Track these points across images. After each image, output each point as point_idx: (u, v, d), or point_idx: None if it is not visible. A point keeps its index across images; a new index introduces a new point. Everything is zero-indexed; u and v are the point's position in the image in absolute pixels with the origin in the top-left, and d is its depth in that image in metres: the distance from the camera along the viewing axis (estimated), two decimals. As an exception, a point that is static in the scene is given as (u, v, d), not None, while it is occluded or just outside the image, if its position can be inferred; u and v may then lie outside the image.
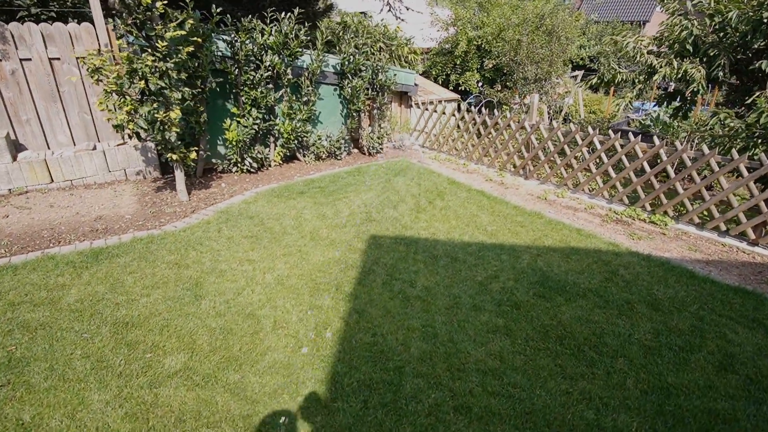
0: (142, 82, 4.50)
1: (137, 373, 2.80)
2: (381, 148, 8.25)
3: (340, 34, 10.47)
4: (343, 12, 11.34)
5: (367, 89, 7.75)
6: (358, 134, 8.29)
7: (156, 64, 4.50)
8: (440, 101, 9.61)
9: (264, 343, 3.13)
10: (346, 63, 7.38)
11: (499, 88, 12.01)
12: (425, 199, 5.97)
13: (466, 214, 5.57)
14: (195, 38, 4.93)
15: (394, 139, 8.78)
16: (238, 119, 6.35)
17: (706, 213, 5.68)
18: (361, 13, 11.79)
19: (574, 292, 3.87)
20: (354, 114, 7.72)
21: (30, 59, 5.42)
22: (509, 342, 3.23)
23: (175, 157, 5.18)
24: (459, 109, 8.19)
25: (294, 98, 6.86)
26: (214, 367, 2.89)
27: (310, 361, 2.99)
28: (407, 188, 6.32)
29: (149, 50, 4.60)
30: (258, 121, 6.42)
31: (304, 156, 7.48)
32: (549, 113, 11.13)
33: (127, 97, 4.56)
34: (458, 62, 12.31)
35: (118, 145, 5.97)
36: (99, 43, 5.57)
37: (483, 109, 7.67)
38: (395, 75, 8.11)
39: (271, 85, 6.61)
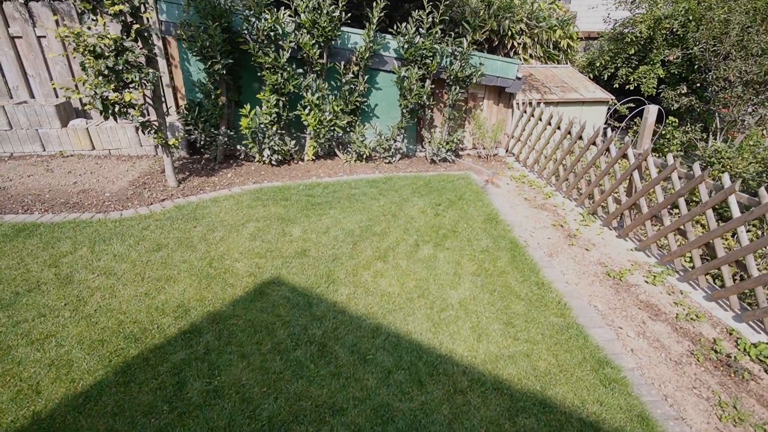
0: (99, 60, 4.26)
1: None
2: (452, 156, 6.58)
3: (464, 9, 8.84)
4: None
5: (425, 79, 6.16)
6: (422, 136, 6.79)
7: (99, 41, 4.18)
8: (569, 103, 7.18)
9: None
10: (405, 47, 5.94)
11: (684, 91, 8.38)
12: (421, 239, 4.34)
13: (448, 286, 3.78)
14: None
15: (483, 145, 6.91)
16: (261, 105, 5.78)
17: None
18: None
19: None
20: (406, 111, 6.27)
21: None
22: None
23: (153, 141, 4.92)
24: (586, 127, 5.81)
25: (325, 85, 5.88)
26: None
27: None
28: (413, 219, 4.73)
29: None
30: (276, 109, 5.71)
31: (345, 154, 6.47)
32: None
33: (90, 75, 4.42)
34: (632, 52, 9.05)
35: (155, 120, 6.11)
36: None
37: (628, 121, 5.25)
38: (481, 65, 6.24)
39: (300, 70, 5.78)
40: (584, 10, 11.41)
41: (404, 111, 6.25)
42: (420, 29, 5.91)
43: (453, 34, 6.14)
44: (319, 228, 4.42)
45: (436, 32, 5.90)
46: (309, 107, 5.86)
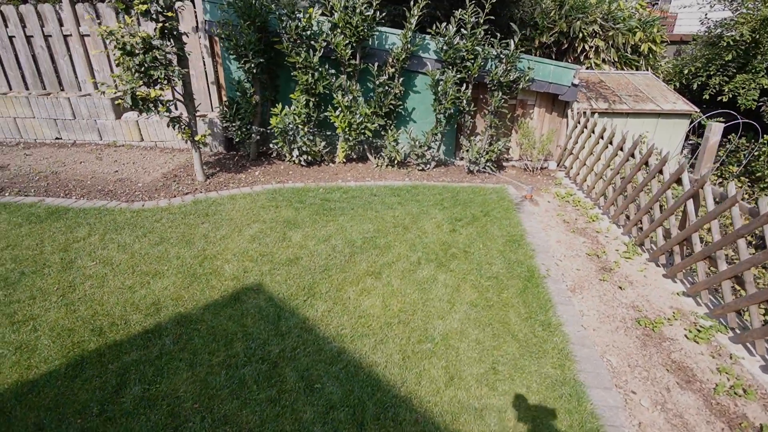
0: (129, 57, 4.45)
1: None
2: (491, 167, 6.08)
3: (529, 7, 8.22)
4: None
5: (466, 83, 5.72)
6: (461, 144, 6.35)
7: (130, 39, 4.35)
8: (641, 114, 6.34)
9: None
10: (444, 48, 5.57)
11: (793, 105, 7.00)
12: (426, 257, 3.99)
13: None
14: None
15: (530, 157, 6.31)
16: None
17: None
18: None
19: None
20: (442, 117, 5.87)
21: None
22: None
23: (182, 136, 5.08)
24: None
25: (358, 87, 5.68)
26: None
27: None
28: (425, 234, 4.39)
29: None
30: (306, 109, 5.64)
31: (377, 158, 6.25)
32: None
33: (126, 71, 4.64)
34: (729, 58, 7.76)
35: (197, 116, 6.36)
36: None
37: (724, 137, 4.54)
38: (530, 69, 5.67)
39: (333, 70, 5.66)
40: (675, 9, 10.08)
41: (439, 116, 5.86)
42: (462, 29, 5.49)
43: (499, 34, 5.63)
44: (321, 235, 4.24)
45: (479, 32, 5.45)
46: (339, 109, 5.71)
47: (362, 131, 5.82)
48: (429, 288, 3.56)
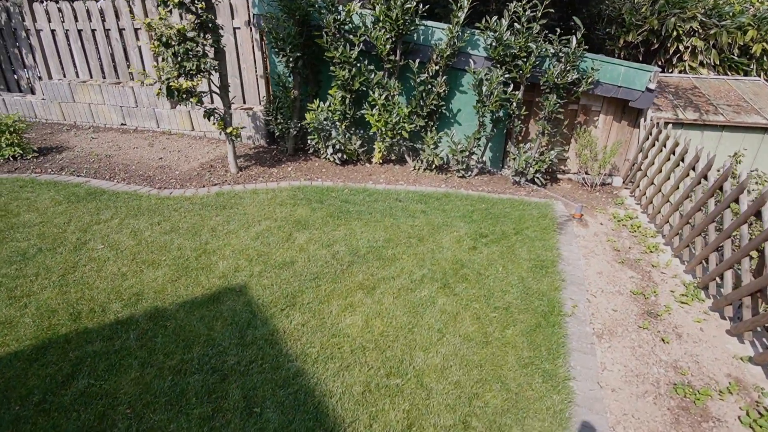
0: (165, 48, 4.56)
1: None
2: (541, 178, 5.42)
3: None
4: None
5: (517, 84, 5.12)
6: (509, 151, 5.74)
7: (167, 31, 4.43)
8: (742, 127, 5.35)
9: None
10: (492, 44, 5.03)
11: None
12: (431, 275, 3.58)
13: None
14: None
15: (588, 170, 5.53)
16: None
17: None
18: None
19: None
20: (486, 120, 5.31)
21: (204, 27, 6.48)
22: None
23: (215, 127, 5.15)
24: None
25: (397, 85, 5.34)
26: None
27: None
28: (440, 249, 3.96)
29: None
30: (341, 107, 5.44)
31: (414, 161, 5.87)
32: None
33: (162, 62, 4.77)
34: None
35: (243, 108, 6.48)
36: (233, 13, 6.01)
37: None
38: (594, 70, 4.94)
39: (372, 66, 5.38)
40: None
41: (483, 120, 5.33)
42: (515, 24, 4.91)
43: (559, 29, 4.95)
44: (327, 239, 3.99)
45: (535, 27, 4.83)
46: (376, 107, 5.42)
47: (399, 131, 5.48)
48: (423, 312, 3.15)
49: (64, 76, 7.33)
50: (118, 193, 4.81)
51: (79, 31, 6.95)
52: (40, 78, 7.51)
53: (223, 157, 5.95)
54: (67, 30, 6.99)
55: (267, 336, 2.86)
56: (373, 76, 5.32)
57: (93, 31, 6.93)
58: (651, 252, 4.14)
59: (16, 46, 7.47)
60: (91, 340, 2.78)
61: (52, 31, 7.10)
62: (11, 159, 5.68)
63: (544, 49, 4.94)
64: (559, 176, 5.87)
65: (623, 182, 5.64)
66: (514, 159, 5.47)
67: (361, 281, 3.45)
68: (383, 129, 5.46)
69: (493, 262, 3.78)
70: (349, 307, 3.17)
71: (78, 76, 7.28)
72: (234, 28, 6.28)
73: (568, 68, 4.89)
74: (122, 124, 6.98)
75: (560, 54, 4.93)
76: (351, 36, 5.19)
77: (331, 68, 5.32)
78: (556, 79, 4.88)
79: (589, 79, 4.93)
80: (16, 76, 7.78)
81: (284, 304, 3.16)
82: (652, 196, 4.73)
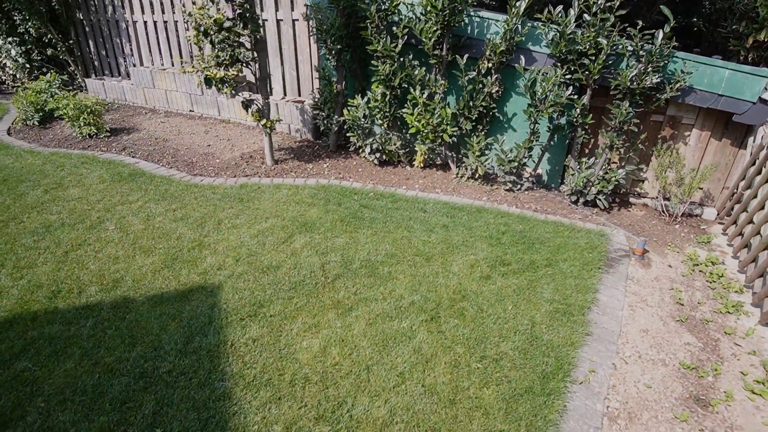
0: (205, 38, 4.58)
1: None
2: (604, 201, 4.54)
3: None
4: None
5: (582, 87, 4.30)
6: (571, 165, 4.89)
7: (206, 21, 4.43)
8: None
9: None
10: (554, 39, 4.28)
11: None
12: (423, 304, 3.10)
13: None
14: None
15: (668, 194, 4.51)
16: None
17: None
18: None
19: None
20: (539, 128, 4.55)
21: (267, 20, 6.53)
22: None
23: (252, 119, 5.13)
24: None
25: (443, 82, 4.82)
26: None
27: None
28: (447, 274, 3.44)
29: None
30: (380, 104, 5.08)
31: (458, 168, 5.31)
32: None
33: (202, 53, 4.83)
34: None
35: (294, 101, 6.44)
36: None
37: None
38: (685, 73, 3.97)
39: (416, 61, 4.93)
40: None
41: (534, 127, 4.58)
42: (585, 15, 4.11)
43: (640, 23, 4.02)
44: (324, 246, 3.68)
45: (609, 19, 3.99)
46: (417, 106, 4.96)
47: (440, 134, 4.95)
48: (393, 347, 2.69)
49: (153, 64, 7.96)
50: (155, 176, 4.99)
51: (165, 23, 7.47)
52: (134, 65, 8.26)
53: (270, 147, 5.93)
54: (155, 21, 7.55)
55: (212, 347, 2.64)
56: (416, 72, 4.86)
57: (176, 22, 7.39)
58: (729, 313, 3.16)
59: (118, 36, 8.30)
60: (53, 321, 2.80)
61: (145, 22, 7.73)
62: (88, 137, 6.26)
63: (618, 46, 4.07)
64: (631, 200, 4.87)
65: (717, 215, 4.48)
66: (572, 175, 4.64)
67: (339, 299, 3.07)
68: (424, 131, 4.98)
69: (504, 297, 3.15)
70: (313, 327, 2.82)
71: (163, 64, 7.85)
72: (293, 20, 6.22)
73: (648, 69, 3.96)
74: (190, 111, 7.37)
75: (640, 52, 4.01)
76: (394, 28, 4.78)
77: (372, 62, 4.97)
78: (630, 83, 3.98)
79: (677, 85, 3.95)
80: (117, 63, 8.66)
81: (247, 313, 2.92)
82: (748, 238, 3.64)
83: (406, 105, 5.11)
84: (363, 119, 5.21)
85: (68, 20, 8.32)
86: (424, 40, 4.63)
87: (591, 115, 4.46)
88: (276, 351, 2.63)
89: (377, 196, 4.63)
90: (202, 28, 4.53)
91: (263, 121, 5.08)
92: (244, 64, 4.80)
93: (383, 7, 4.69)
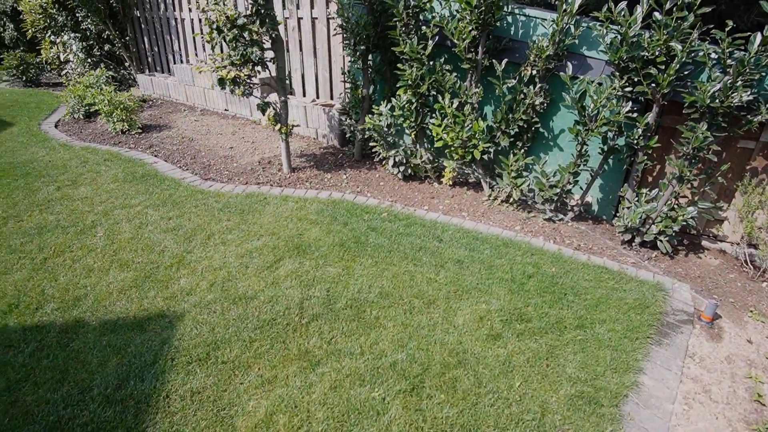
0: (219, 35, 4.29)
1: None
2: (667, 244, 3.69)
3: None
4: None
5: (641, 102, 3.48)
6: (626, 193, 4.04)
7: (220, 18, 4.12)
8: None
9: None
10: (613, 43, 3.49)
11: None
12: (406, 367, 2.54)
13: None
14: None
15: (755, 241, 3.55)
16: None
17: None
18: None
19: None
20: (585, 149, 3.76)
21: (302, 18, 6.20)
22: None
23: (266, 123, 4.79)
24: None
25: (477, 90, 4.17)
26: None
27: None
28: (448, 326, 2.84)
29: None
30: (402, 111, 4.53)
31: (491, 189, 4.62)
32: None
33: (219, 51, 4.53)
34: None
35: (322, 105, 6.05)
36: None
37: None
38: (790, 88, 3.05)
39: (448, 66, 4.32)
40: None
41: (582, 148, 3.80)
42: (655, 14, 3.29)
43: (730, 23, 3.13)
44: (312, 277, 3.20)
45: (687, 18, 3.16)
46: (446, 116, 4.35)
47: (470, 150, 4.31)
48: (355, 424, 2.14)
49: (198, 61, 7.94)
50: (166, 179, 4.79)
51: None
52: (182, 62, 8.32)
53: (287, 153, 5.58)
54: (200, 19, 7.50)
55: (144, 396, 2.24)
56: (446, 77, 4.25)
57: (218, 20, 7.28)
58: (833, 427, 2.27)
59: (168, 33, 8.40)
60: (-7, 342, 2.56)
61: (192, 20, 7.72)
62: (120, 132, 6.28)
63: (698, 52, 3.21)
64: (704, 243, 3.93)
65: (824, 276, 3.46)
66: (628, 208, 3.81)
67: (308, 348, 2.58)
68: (452, 145, 4.36)
69: (512, 368, 2.49)
70: (267, 383, 2.35)
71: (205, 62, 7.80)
72: (328, 18, 5.82)
73: (737, 83, 3.07)
74: (225, 110, 7.23)
75: (728, 61, 3.12)
76: (424, 27, 4.21)
77: (398, 65, 4.43)
78: (710, 100, 3.12)
79: (781, 102, 3.03)
80: (167, 60, 8.79)
81: (198, 355, 2.50)
82: None
83: (434, 114, 4.52)
84: (387, 129, 4.68)
85: (125, 17, 8.56)
86: (456, 41, 4.01)
87: (657, 137, 3.61)
88: (214, 412, 2.18)
89: (391, 217, 4.08)
90: (215, 25, 4.23)
91: (279, 126, 4.72)
92: (258, 64, 4.45)
93: (412, 4, 4.13)
